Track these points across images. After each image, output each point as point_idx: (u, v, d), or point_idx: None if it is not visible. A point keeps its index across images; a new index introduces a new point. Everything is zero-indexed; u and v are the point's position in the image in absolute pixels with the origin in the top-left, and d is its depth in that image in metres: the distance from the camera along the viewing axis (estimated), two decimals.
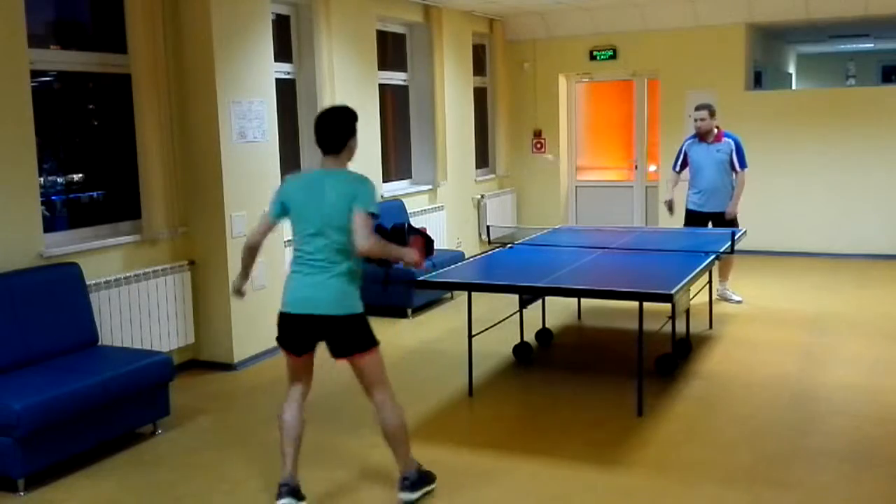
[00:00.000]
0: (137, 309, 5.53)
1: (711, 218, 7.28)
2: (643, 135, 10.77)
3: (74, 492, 4.10)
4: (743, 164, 7.18)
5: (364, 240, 3.57)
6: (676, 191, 7.48)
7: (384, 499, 3.99)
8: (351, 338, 3.68)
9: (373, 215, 3.61)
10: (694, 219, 7.35)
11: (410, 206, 8.49)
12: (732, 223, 7.17)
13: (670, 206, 7.35)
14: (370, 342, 3.71)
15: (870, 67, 15.10)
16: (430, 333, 6.89)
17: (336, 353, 3.73)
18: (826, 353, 6.06)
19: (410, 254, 3.95)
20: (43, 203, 5.12)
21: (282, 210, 3.75)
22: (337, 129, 3.67)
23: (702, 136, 7.26)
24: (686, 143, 7.44)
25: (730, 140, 7.22)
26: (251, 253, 3.86)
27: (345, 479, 4.19)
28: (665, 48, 10.07)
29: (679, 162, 7.45)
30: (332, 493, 4.04)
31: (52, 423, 4.09)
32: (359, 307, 3.71)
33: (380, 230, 8.49)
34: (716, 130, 7.23)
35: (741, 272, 7.50)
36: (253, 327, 6.09)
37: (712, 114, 7.20)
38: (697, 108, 7.30)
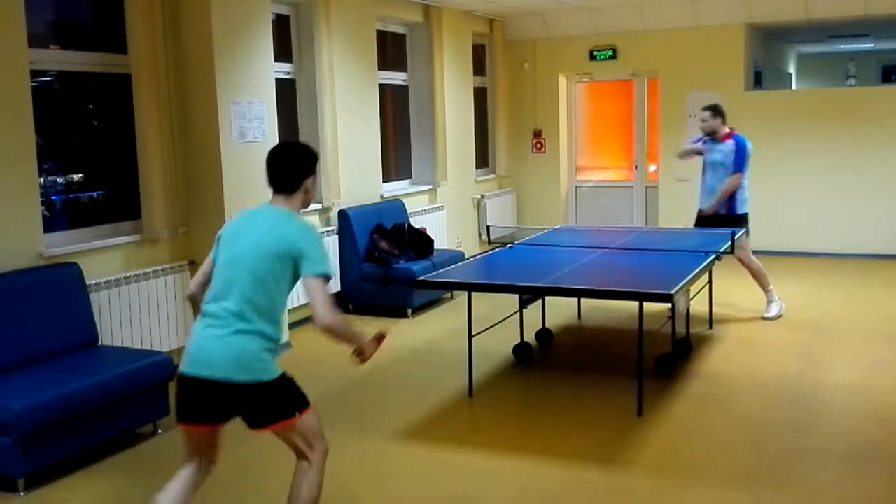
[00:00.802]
0: (137, 309, 5.53)
1: (712, 220, 7.03)
2: (643, 135, 10.77)
3: (74, 492, 4.10)
4: (737, 168, 6.92)
5: (327, 315, 2.90)
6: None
7: (384, 499, 3.99)
8: (262, 408, 2.99)
9: (326, 278, 2.96)
10: (699, 220, 7.19)
11: (410, 206, 8.49)
12: (736, 222, 7.01)
13: (687, 152, 7.24)
14: (292, 407, 3.02)
15: (870, 67, 15.08)
16: (430, 333, 6.89)
17: (249, 423, 3.05)
18: (826, 353, 6.06)
19: (370, 347, 3.24)
20: (43, 203, 5.13)
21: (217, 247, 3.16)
22: (292, 164, 3.11)
23: (711, 136, 7.13)
24: (703, 137, 7.22)
25: (735, 143, 7.06)
26: (193, 303, 3.22)
27: (345, 482, 4.19)
28: (665, 48, 10.07)
29: (697, 141, 7.23)
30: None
31: (52, 423, 4.09)
32: (269, 373, 2.97)
33: (380, 230, 8.41)
34: (726, 130, 7.04)
35: (741, 272, 7.48)
36: None
37: (715, 114, 7.08)
38: (704, 109, 7.12)
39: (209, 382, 2.91)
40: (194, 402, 2.99)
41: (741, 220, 7.02)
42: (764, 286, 7.14)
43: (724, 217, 7.02)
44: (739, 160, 6.91)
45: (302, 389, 3.08)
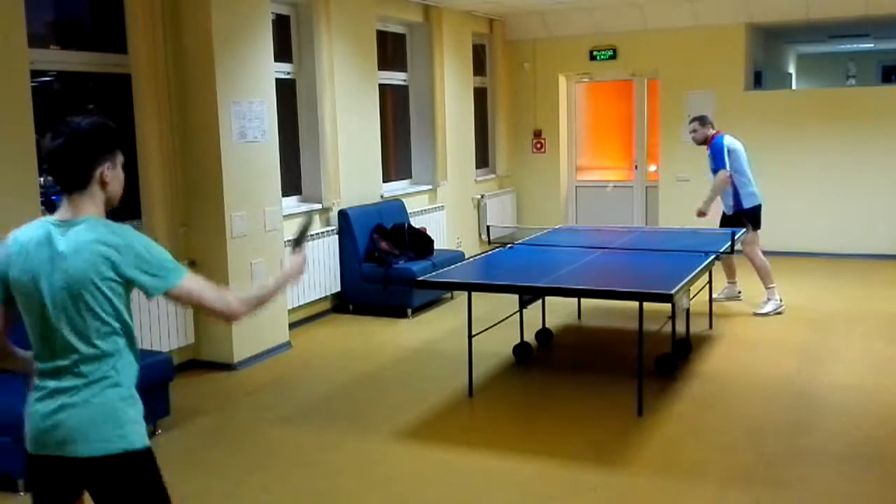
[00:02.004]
0: (137, 309, 5.52)
1: (725, 219, 7.25)
2: (643, 135, 10.77)
3: None
4: (717, 166, 7.07)
5: (226, 305, 2.37)
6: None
7: (383, 499, 3.99)
8: (123, 492, 2.30)
9: (187, 276, 2.36)
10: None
11: (410, 206, 8.49)
12: (740, 221, 7.06)
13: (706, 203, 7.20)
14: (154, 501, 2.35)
15: (870, 67, 15.08)
16: (430, 333, 6.89)
17: None
18: (826, 353, 6.06)
19: (294, 266, 2.64)
20: (43, 203, 5.12)
21: (2, 289, 2.35)
22: (75, 148, 2.29)
23: (704, 145, 7.27)
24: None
25: (715, 144, 7.18)
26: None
27: (345, 481, 4.19)
28: (665, 48, 10.07)
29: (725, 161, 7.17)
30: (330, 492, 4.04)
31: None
32: (136, 439, 2.31)
33: (380, 230, 8.39)
34: (711, 133, 7.22)
35: (741, 272, 7.48)
36: (253, 327, 6.08)
37: (702, 124, 7.22)
38: (690, 122, 7.34)
39: (60, 461, 2.31)
40: (44, 485, 2.39)
41: (748, 216, 7.10)
42: (766, 283, 7.18)
43: (733, 215, 7.14)
44: (717, 159, 7.15)
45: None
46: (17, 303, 2.36)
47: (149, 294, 2.33)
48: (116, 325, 2.30)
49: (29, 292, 2.29)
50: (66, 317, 2.26)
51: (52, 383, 2.33)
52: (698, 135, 7.24)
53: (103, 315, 2.27)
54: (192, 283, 2.35)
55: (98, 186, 2.32)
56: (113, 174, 2.35)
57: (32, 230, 2.31)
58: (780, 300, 7.13)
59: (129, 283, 2.29)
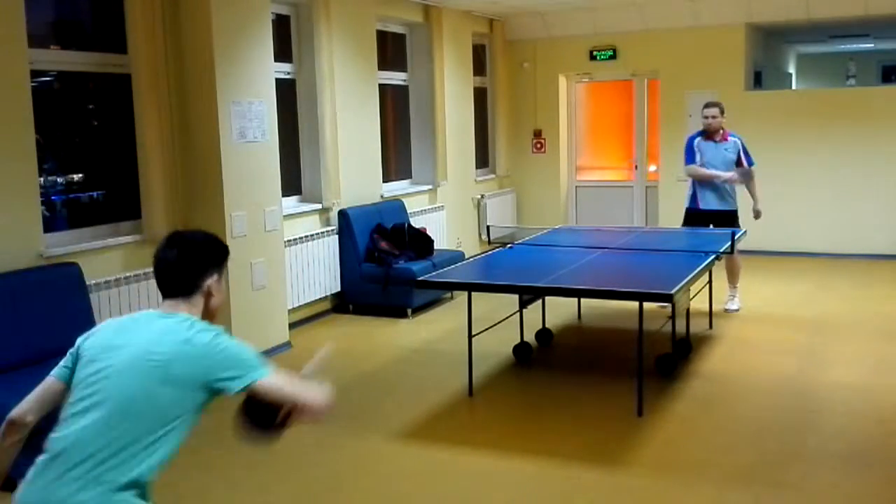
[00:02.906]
0: (137, 309, 5.48)
1: (714, 217, 7.12)
2: (643, 135, 10.77)
3: None
4: (751, 161, 7.15)
5: (317, 399, 2.40)
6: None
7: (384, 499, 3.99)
8: None
9: (270, 375, 2.30)
10: (694, 218, 7.21)
11: (410, 206, 8.49)
12: (735, 220, 7.10)
13: (743, 175, 7.14)
14: None
15: (870, 67, 15.06)
16: (430, 333, 6.89)
17: None
18: (826, 353, 6.06)
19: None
20: (43, 203, 5.12)
21: (71, 362, 2.34)
22: (184, 260, 2.37)
23: (710, 134, 7.16)
24: (694, 140, 7.24)
25: (735, 139, 7.16)
26: (10, 432, 2.36)
27: (344, 479, 4.19)
28: (665, 48, 10.07)
29: (696, 158, 7.17)
30: (330, 490, 4.04)
31: (52, 423, 4.08)
32: None
33: (380, 230, 8.40)
34: (723, 130, 7.17)
35: (741, 272, 7.48)
36: (253, 327, 6.08)
37: (722, 112, 7.18)
38: (708, 106, 7.17)
39: None
40: None
41: (737, 215, 7.15)
42: (733, 282, 7.28)
43: (729, 213, 7.11)
44: (749, 154, 7.15)
45: None
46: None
47: (233, 391, 2.27)
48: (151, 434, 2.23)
49: (91, 366, 2.29)
50: (117, 398, 2.21)
51: None
52: (717, 122, 7.10)
53: (147, 416, 2.21)
54: (275, 379, 2.30)
55: (201, 297, 2.38)
56: (218, 287, 2.41)
57: (135, 316, 2.41)
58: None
59: (208, 388, 2.25)
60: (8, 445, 2.37)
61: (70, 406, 2.23)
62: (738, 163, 7.12)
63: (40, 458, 2.18)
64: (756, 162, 7.24)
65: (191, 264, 2.37)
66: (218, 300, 2.42)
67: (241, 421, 2.37)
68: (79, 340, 2.35)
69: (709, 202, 7.12)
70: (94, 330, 2.38)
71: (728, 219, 7.07)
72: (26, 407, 2.37)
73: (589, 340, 6.83)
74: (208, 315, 2.40)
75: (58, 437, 2.18)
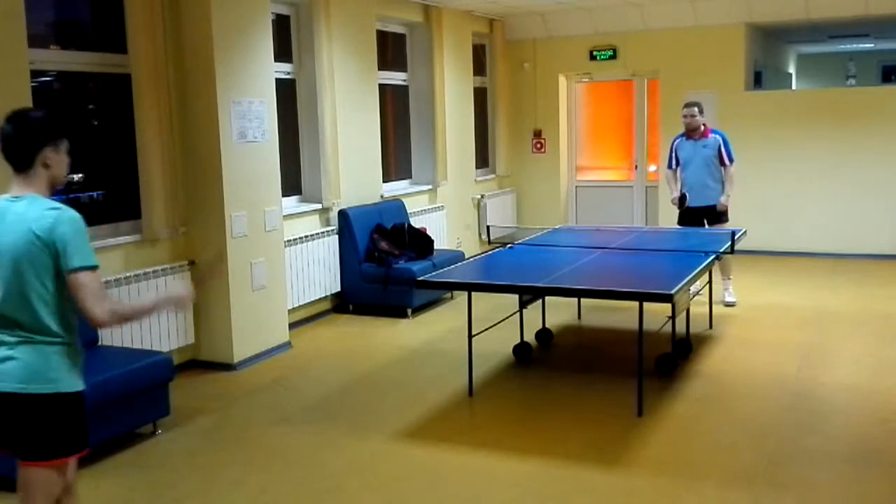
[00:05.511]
0: None
1: (703, 213, 7.35)
2: (643, 135, 10.77)
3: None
4: (731, 159, 7.31)
5: (98, 309, 2.57)
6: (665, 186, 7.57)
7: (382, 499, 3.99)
8: (39, 430, 2.61)
9: (93, 269, 2.60)
10: (685, 215, 7.44)
11: (410, 206, 8.49)
12: (724, 214, 7.26)
13: (682, 201, 7.40)
14: (62, 447, 2.64)
15: (870, 67, 15.07)
16: (430, 333, 6.89)
17: (22, 454, 2.64)
18: (826, 353, 6.06)
19: (184, 294, 2.93)
20: None
21: None
22: (23, 133, 2.65)
23: (689, 134, 7.39)
24: (675, 142, 7.55)
25: (717, 136, 7.38)
26: None
27: (344, 480, 4.19)
28: (665, 48, 10.07)
29: (673, 160, 7.56)
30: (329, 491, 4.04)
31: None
32: (63, 383, 2.62)
33: (380, 230, 8.41)
34: (703, 128, 7.35)
35: (741, 272, 7.49)
36: (253, 327, 6.09)
37: (701, 112, 7.32)
38: (687, 105, 7.40)
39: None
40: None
41: (726, 210, 7.35)
42: (726, 273, 7.41)
43: (711, 209, 7.25)
44: (730, 151, 7.36)
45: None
46: None
47: (62, 269, 2.60)
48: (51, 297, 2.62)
49: None
50: (7, 282, 2.61)
51: None
52: (696, 121, 7.31)
53: (39, 290, 2.60)
54: (94, 278, 2.59)
55: (41, 169, 2.66)
56: (56, 159, 2.69)
57: None
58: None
59: (52, 257, 2.58)
60: None
61: None
62: (721, 159, 7.29)
63: None
64: (737, 158, 7.39)
65: (25, 138, 2.65)
66: (56, 172, 2.71)
67: None
68: None
69: (693, 199, 7.37)
70: None
71: (716, 212, 7.29)
72: None
73: (589, 340, 6.83)
74: (50, 188, 2.71)
75: None
